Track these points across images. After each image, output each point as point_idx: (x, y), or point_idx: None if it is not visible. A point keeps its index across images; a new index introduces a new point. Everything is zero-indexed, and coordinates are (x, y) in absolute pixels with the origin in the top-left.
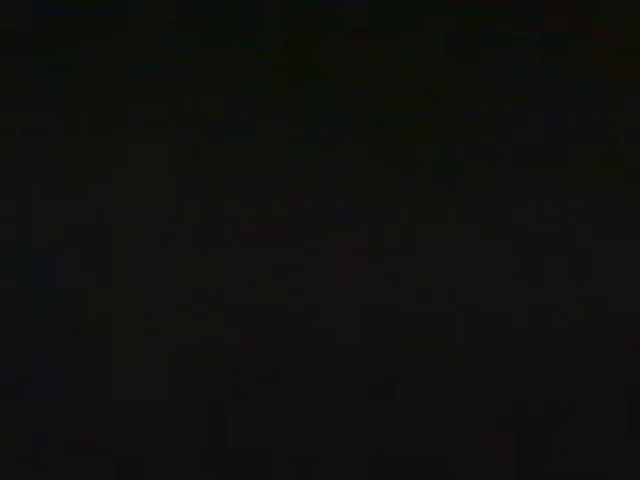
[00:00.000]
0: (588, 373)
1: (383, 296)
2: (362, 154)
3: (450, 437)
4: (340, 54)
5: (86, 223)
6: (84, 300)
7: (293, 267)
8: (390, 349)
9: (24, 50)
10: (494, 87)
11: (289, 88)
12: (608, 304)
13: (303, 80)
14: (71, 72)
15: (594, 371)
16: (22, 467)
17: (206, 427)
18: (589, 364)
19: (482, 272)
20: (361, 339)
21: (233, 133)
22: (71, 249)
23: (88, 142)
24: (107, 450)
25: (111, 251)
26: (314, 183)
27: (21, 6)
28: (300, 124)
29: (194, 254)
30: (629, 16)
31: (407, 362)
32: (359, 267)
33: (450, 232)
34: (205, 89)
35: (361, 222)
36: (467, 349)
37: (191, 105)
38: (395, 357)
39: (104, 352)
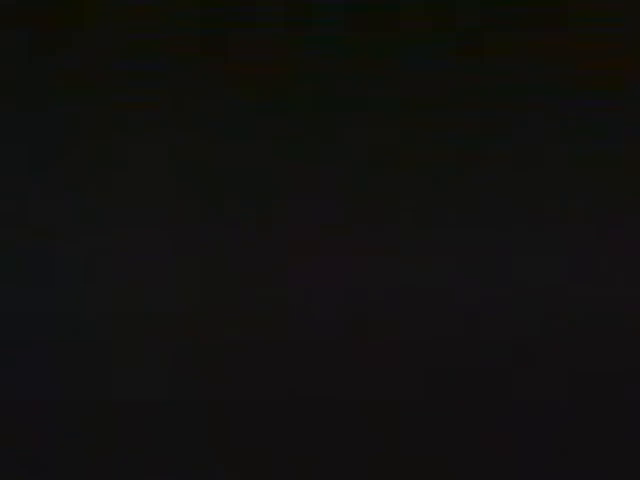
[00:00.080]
0: (588, 373)
1: (383, 296)
2: (362, 154)
3: (450, 437)
4: (340, 54)
5: (86, 223)
6: (84, 300)
7: (293, 267)
8: (390, 349)
9: (23, 48)
10: (494, 84)
11: (289, 88)
12: (608, 304)
13: (302, 79)
14: (71, 72)
15: (594, 371)
16: (22, 467)
17: (206, 427)
18: (589, 364)
19: (482, 272)
20: (361, 339)
21: (233, 133)
22: (71, 249)
23: (88, 142)
24: (107, 450)
25: (111, 251)
26: (314, 183)
27: (21, 5)
28: (300, 124)
29: (194, 254)
30: (629, 16)
31: (407, 362)
32: (359, 267)
33: (450, 232)
34: (205, 89)
35: (361, 222)
36: (467, 349)
37: (191, 105)
38: (395, 357)
39: (104, 352)
